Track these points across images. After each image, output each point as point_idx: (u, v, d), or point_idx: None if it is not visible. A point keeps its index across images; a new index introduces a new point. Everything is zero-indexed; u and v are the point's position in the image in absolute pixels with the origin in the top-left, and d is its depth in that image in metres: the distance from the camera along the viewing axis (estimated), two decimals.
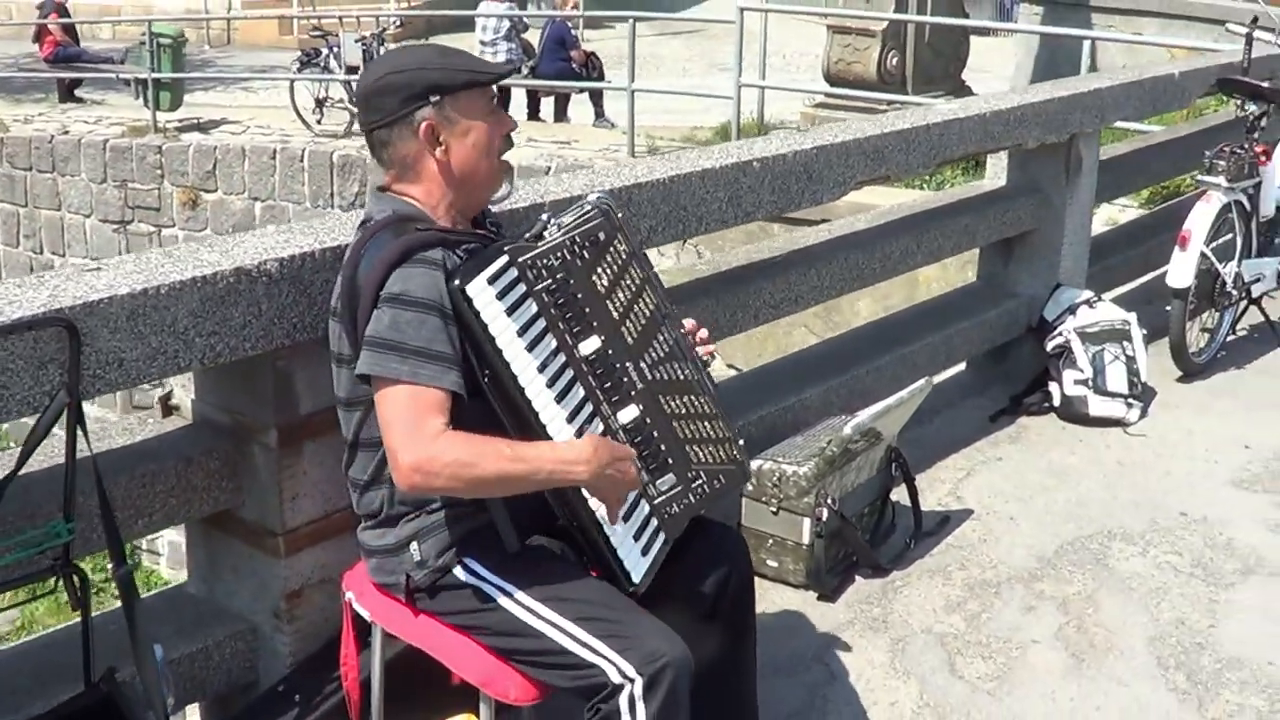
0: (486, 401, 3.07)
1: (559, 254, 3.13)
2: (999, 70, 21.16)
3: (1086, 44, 13.49)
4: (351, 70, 17.69)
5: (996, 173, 7.00)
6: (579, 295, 3.15)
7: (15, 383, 2.98)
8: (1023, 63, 18.05)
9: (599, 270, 3.19)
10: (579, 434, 3.12)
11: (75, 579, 3.16)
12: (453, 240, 3.16)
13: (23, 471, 3.11)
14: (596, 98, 18.69)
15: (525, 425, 3.06)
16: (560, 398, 3.11)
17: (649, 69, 21.72)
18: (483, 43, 19.01)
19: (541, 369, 3.08)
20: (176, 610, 3.84)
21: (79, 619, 3.24)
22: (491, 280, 3.03)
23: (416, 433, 2.95)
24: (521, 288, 3.08)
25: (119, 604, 3.19)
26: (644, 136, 16.49)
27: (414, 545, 3.20)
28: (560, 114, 18.96)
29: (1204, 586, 4.92)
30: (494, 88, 3.38)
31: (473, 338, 3.02)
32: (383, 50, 17.48)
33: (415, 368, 2.98)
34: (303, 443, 3.64)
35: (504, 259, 3.07)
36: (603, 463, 3.04)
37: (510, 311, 3.05)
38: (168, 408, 4.19)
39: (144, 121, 18.18)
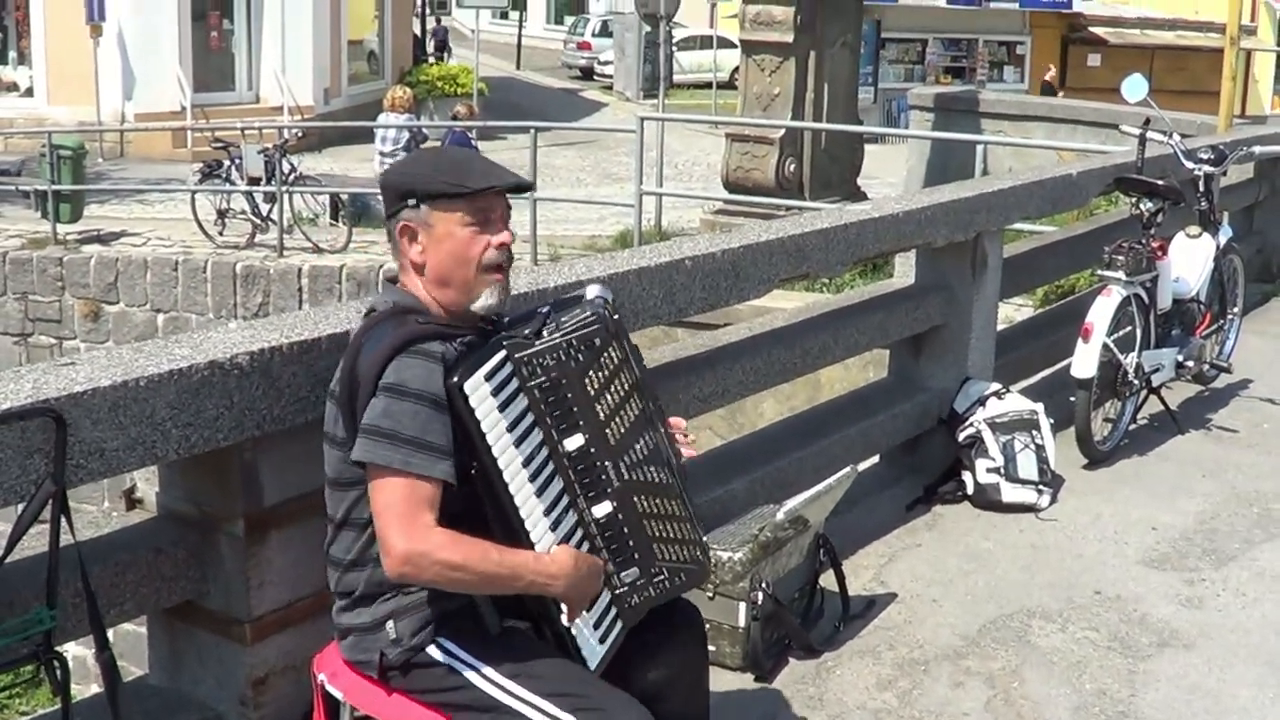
0: (475, 487, 3.23)
1: (554, 354, 3.27)
2: (888, 176, 21.67)
3: (979, 148, 13.92)
4: (254, 181, 17.79)
5: (905, 271, 7.24)
6: (569, 395, 3.29)
7: (3, 472, 3.09)
8: (915, 167, 18.53)
9: (591, 374, 3.32)
10: (555, 524, 3.29)
11: (56, 666, 3.26)
12: (450, 333, 3.30)
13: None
14: None
15: (504, 517, 3.24)
16: (541, 490, 3.27)
17: (545, 179, 22.02)
18: (382, 153, 19.21)
19: (526, 462, 3.25)
20: (140, 701, 3.89)
21: (57, 706, 3.34)
22: (489, 376, 3.20)
23: (411, 526, 3.11)
24: (515, 383, 3.24)
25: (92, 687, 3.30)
26: (545, 245, 16.74)
27: (390, 624, 3.31)
28: None
29: (1122, 659, 5.13)
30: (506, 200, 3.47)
31: (465, 431, 3.18)
32: (285, 162, 17.61)
33: (408, 456, 3.13)
34: (269, 532, 3.76)
35: (501, 354, 3.23)
36: (580, 577, 3.26)
37: (503, 407, 3.21)
38: (132, 501, 4.25)
39: (43, 233, 18.15)
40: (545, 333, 3.31)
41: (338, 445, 3.31)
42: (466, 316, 3.40)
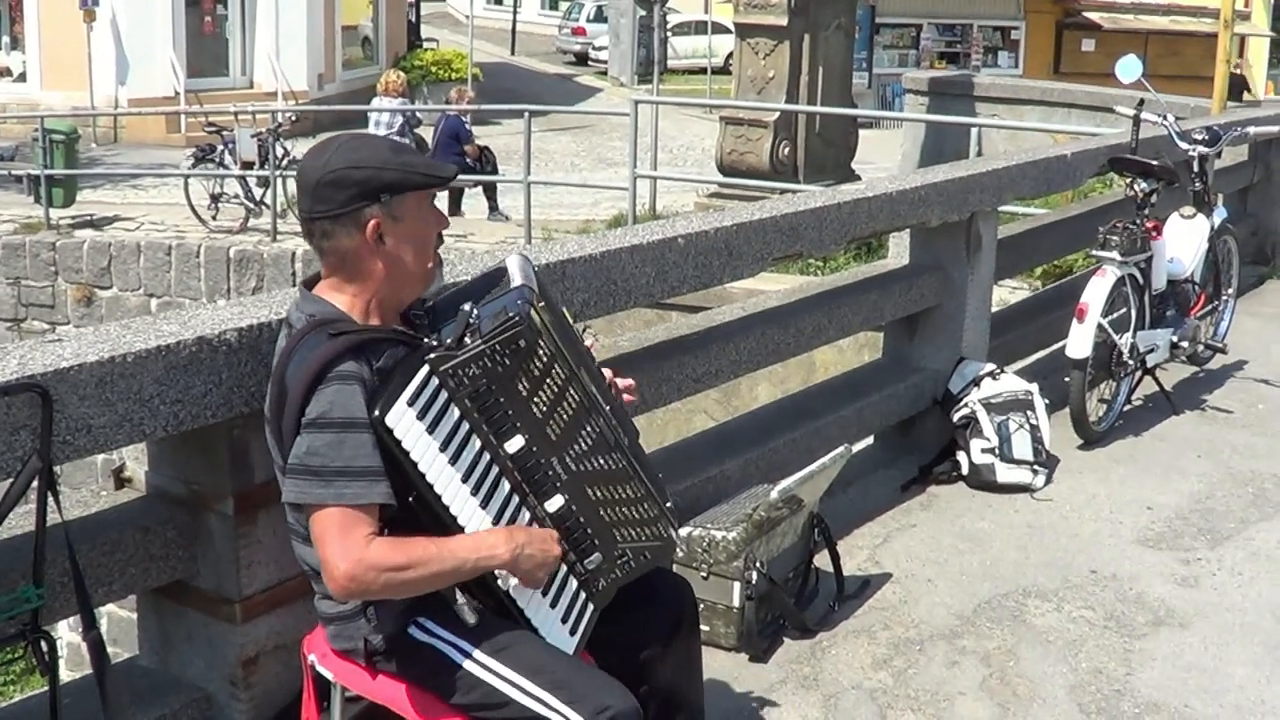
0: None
1: (480, 362, 3.17)
2: (883, 161, 21.61)
3: (974, 132, 13.90)
4: (247, 165, 17.74)
5: (899, 251, 7.21)
6: (501, 399, 3.22)
7: None
8: (909, 152, 18.49)
9: (520, 376, 3.23)
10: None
11: (44, 645, 3.23)
12: (369, 341, 3.21)
13: None
14: (491, 191, 18.87)
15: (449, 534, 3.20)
16: (486, 500, 3.23)
17: (540, 164, 21.97)
18: None
19: (466, 476, 3.20)
20: (130, 682, 3.86)
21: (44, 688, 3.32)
22: (412, 400, 3.12)
23: (347, 543, 3.06)
24: (444, 395, 3.16)
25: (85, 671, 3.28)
26: (539, 229, 16.71)
27: (370, 610, 3.28)
28: (454, 208, 19.06)
29: (1118, 638, 5.12)
30: None
31: (396, 463, 3.11)
32: (279, 146, 17.54)
33: (340, 490, 3.08)
34: (258, 510, 3.72)
35: (425, 370, 3.15)
36: (519, 544, 3.20)
37: (432, 427, 3.14)
38: (120, 480, 4.23)
39: (36, 218, 18.11)
40: (468, 338, 3.19)
41: (280, 470, 3.26)
42: (391, 317, 3.35)
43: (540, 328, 3.25)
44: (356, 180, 3.22)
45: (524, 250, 4.21)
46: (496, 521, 3.24)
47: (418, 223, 3.31)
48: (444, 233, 3.47)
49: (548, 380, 3.27)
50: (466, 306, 3.26)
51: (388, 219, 3.24)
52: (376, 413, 3.08)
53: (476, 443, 3.21)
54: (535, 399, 3.26)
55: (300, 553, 3.36)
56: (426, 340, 3.26)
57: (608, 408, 3.43)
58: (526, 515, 3.30)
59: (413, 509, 3.17)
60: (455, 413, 3.18)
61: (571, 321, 3.57)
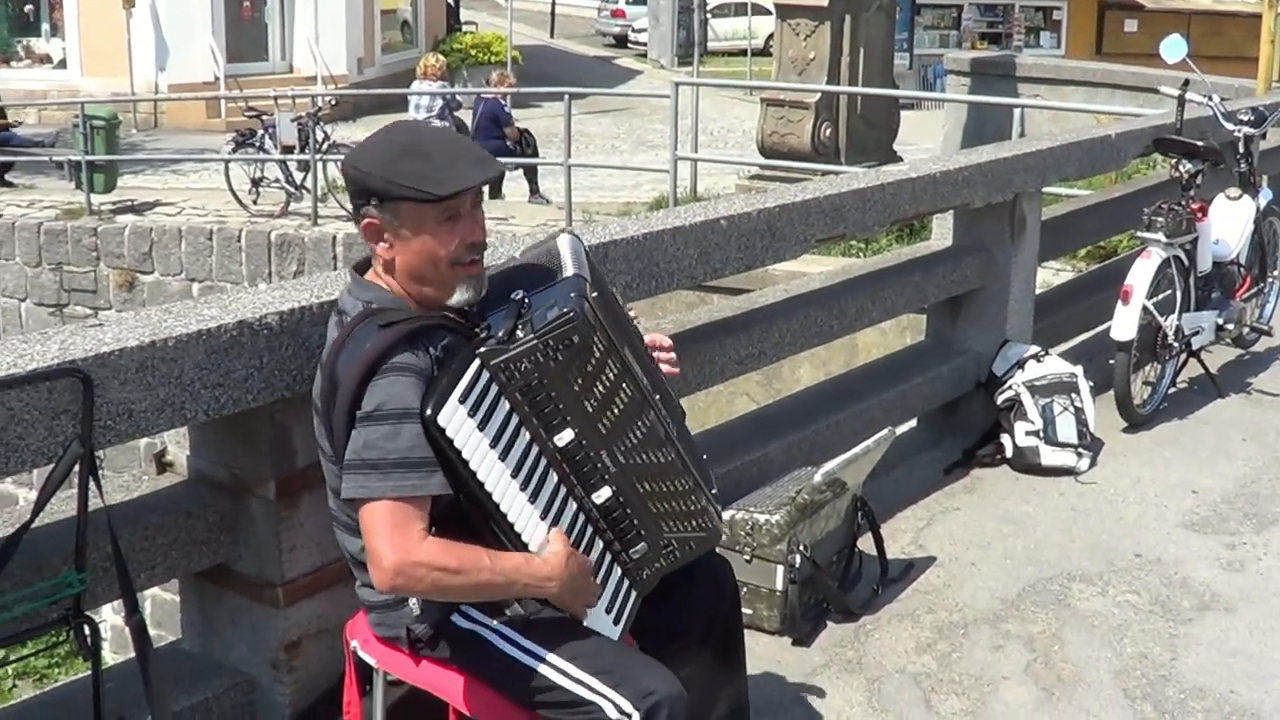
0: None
1: (531, 357, 3.13)
2: (925, 142, 21.51)
3: (1016, 112, 13.80)
4: (287, 149, 17.74)
5: (942, 233, 7.17)
6: (552, 394, 3.18)
7: (30, 433, 3.07)
8: (951, 133, 18.39)
9: (572, 371, 3.18)
10: (555, 522, 3.23)
11: (86, 630, 3.23)
12: (421, 330, 3.18)
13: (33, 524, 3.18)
14: (531, 174, 18.87)
15: (497, 529, 3.17)
16: (535, 495, 3.20)
17: (580, 146, 21.97)
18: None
19: (516, 471, 3.16)
20: (173, 666, 3.86)
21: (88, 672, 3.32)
22: (464, 397, 3.08)
23: (401, 538, 3.03)
24: (494, 389, 3.13)
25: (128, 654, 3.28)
26: (580, 211, 16.69)
27: (412, 600, 3.27)
28: (495, 191, 19.06)
29: (1163, 622, 5.08)
30: (482, 191, 3.39)
31: (446, 461, 3.08)
32: (319, 130, 17.54)
33: (399, 481, 3.05)
34: (300, 494, 3.73)
35: (476, 364, 3.11)
36: (572, 578, 3.19)
37: (483, 424, 3.11)
38: (162, 464, 4.26)
39: (78, 204, 18.16)
40: (520, 331, 3.15)
41: (329, 459, 3.25)
42: (435, 305, 3.30)
43: (595, 323, 3.19)
44: (352, 179, 3.28)
45: (570, 229, 4.17)
46: (545, 514, 3.21)
47: (419, 229, 3.22)
48: (485, 216, 3.37)
49: (601, 375, 3.23)
50: (518, 295, 3.23)
51: (387, 220, 3.22)
52: (429, 412, 3.05)
53: (526, 436, 3.19)
54: (587, 393, 3.22)
55: (342, 540, 3.36)
56: (477, 331, 3.24)
57: (658, 397, 3.38)
58: (574, 506, 3.28)
59: (459, 508, 3.15)
60: (505, 406, 3.15)
61: (621, 302, 3.54)
